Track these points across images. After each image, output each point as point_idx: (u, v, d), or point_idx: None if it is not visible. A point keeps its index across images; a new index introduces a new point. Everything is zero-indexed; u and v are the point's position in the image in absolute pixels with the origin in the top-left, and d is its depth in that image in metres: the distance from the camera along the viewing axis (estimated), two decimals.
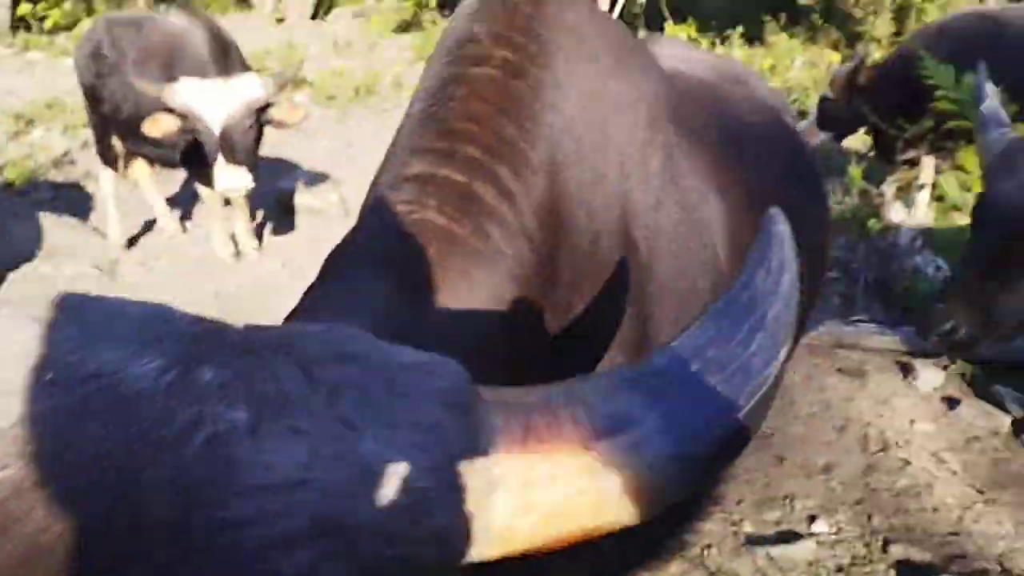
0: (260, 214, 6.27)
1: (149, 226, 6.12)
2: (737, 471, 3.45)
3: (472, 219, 1.20)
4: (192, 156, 4.85)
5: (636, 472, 0.79)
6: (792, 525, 3.21)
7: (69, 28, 13.93)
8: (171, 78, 4.62)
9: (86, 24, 12.00)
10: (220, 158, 4.56)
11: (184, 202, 6.45)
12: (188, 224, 6.25)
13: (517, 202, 1.24)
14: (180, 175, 6.16)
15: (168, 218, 6.03)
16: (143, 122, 4.53)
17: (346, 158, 7.47)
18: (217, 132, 4.51)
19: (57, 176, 7.15)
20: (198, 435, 0.69)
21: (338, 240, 1.31)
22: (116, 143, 5.52)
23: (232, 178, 4.62)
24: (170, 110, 4.49)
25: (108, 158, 5.64)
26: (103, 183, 5.85)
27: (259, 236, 6.02)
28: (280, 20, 14.18)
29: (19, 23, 13.96)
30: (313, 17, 14.65)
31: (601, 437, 0.80)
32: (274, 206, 6.39)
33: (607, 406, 0.82)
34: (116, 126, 5.33)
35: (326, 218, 6.23)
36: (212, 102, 4.50)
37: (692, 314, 1.44)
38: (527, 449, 0.79)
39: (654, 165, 1.51)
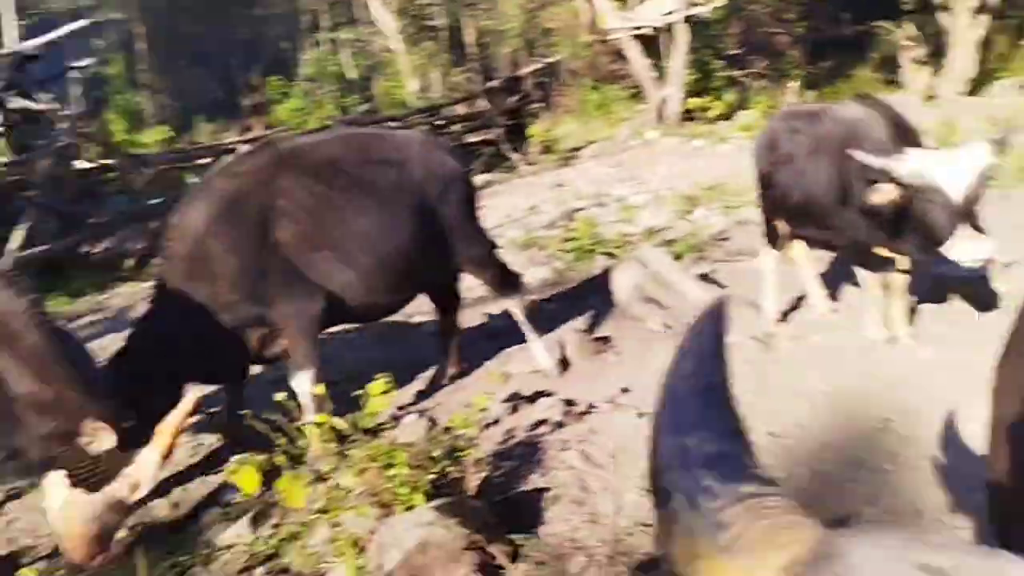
0: (915, 300, 5.71)
1: (801, 303, 6.10)
2: None
3: None
4: (896, 228, 4.73)
5: None
6: None
7: (727, 118, 16.64)
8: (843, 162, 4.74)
9: (741, 115, 16.06)
10: (959, 228, 4.41)
11: (837, 284, 6.26)
12: (840, 305, 6.06)
13: None
14: (831, 256, 6.28)
15: (821, 298, 6.03)
16: (867, 193, 4.58)
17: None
18: (957, 201, 4.39)
19: (715, 252, 7.68)
20: None
21: None
22: (780, 225, 5.73)
23: (972, 248, 4.42)
24: (894, 181, 4.48)
25: (771, 238, 5.85)
26: (763, 261, 5.99)
27: (914, 322, 5.55)
28: (930, 98, 14.10)
29: (687, 114, 17.34)
30: (970, 93, 14.48)
31: None
32: (930, 292, 5.79)
33: None
34: (783, 211, 5.56)
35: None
36: (949, 171, 4.44)
37: None
38: None
39: None
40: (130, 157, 13.97)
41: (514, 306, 5.38)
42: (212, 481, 4.57)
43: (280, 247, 4.49)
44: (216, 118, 32.69)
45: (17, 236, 10.40)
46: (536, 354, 5.36)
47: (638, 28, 19.07)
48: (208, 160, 13.50)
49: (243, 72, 36.27)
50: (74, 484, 3.74)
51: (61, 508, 3.78)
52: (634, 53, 19.52)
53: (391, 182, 4.76)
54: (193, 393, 4.03)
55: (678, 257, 7.21)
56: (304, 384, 4.58)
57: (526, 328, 5.37)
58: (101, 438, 3.67)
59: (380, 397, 3.65)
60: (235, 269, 4.45)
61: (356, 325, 7.05)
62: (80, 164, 13.25)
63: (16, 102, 13.47)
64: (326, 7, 36.05)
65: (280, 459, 3.46)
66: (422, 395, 5.40)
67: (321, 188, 4.61)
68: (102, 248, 12.40)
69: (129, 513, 3.99)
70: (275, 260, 4.49)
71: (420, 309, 6.88)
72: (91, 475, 3.75)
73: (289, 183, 4.58)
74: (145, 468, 3.83)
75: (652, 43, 19.70)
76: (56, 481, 3.77)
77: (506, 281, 5.37)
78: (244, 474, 3.26)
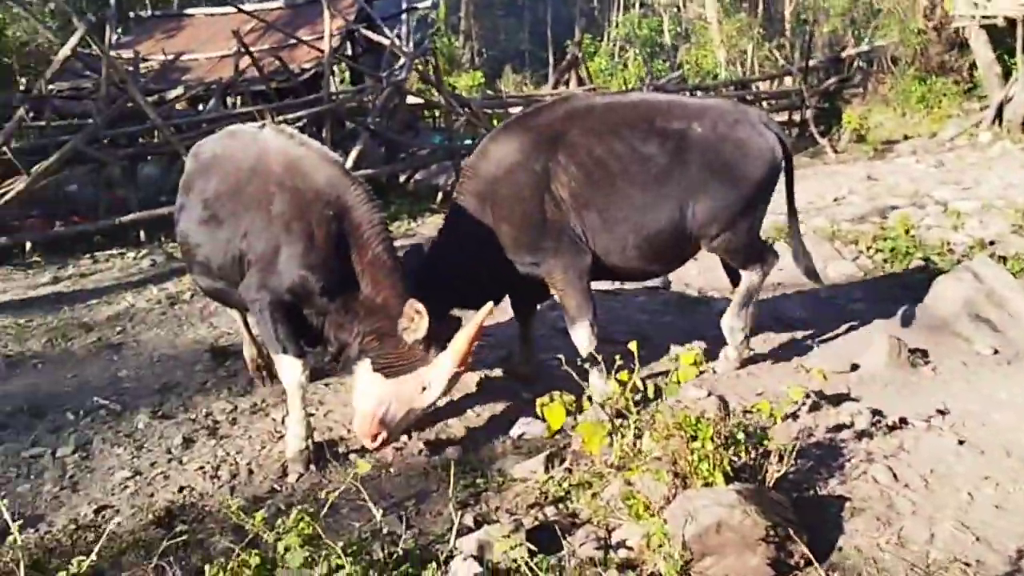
0: None
1: None
2: None
3: None
4: None
5: None
6: None
7: None
8: None
9: None
10: None
11: None
12: None
13: None
14: None
15: None
16: None
17: None
18: None
19: None
20: None
21: None
22: None
23: None
24: None
25: None
26: None
27: None
28: None
29: None
30: None
31: None
32: None
33: None
34: None
35: None
36: None
37: None
38: None
39: None
40: (454, 98, 14.90)
41: (748, 276, 5.01)
42: (500, 412, 4.80)
43: (558, 201, 4.62)
44: (522, 69, 34.07)
45: (350, 158, 11.48)
46: (727, 327, 5.09)
47: (990, 16, 17.12)
48: (519, 109, 14.06)
49: (553, 27, 37.43)
50: (375, 370, 4.15)
51: (359, 386, 4.22)
52: (979, 44, 17.63)
53: (669, 151, 4.65)
54: (488, 305, 4.22)
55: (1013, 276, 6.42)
56: (582, 336, 4.73)
57: (739, 297, 5.05)
58: (418, 323, 3.98)
59: (690, 368, 3.61)
60: (517, 215, 4.65)
61: (653, 292, 7.08)
62: (410, 99, 14.38)
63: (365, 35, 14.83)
64: None
65: (587, 404, 3.54)
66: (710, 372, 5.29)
67: (601, 149, 4.64)
68: (416, 179, 13.43)
69: (417, 412, 4.30)
70: (553, 212, 4.63)
71: (715, 285, 6.77)
72: (391, 365, 4.13)
73: (574, 140, 4.67)
74: (439, 371, 4.11)
75: (1002, 35, 17.66)
76: (363, 367, 4.20)
77: (752, 260, 4.98)
78: (553, 409, 3.37)
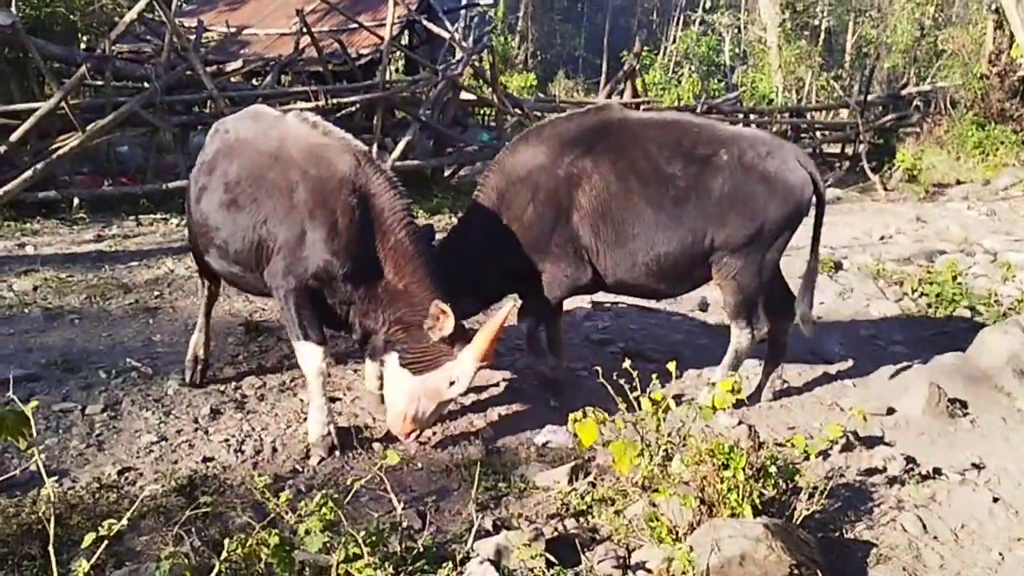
0: None
1: None
2: None
3: None
4: None
5: None
6: None
7: None
8: None
9: None
10: None
11: None
12: None
13: None
14: None
15: None
16: None
17: None
18: None
19: None
20: None
21: None
22: None
23: None
24: None
25: None
26: None
27: None
28: None
29: None
30: None
31: None
32: None
33: None
34: None
35: None
36: None
37: None
38: None
39: None
40: (507, 98, 14.88)
41: (736, 338, 4.94)
42: (526, 418, 4.77)
43: (575, 208, 4.65)
44: (575, 75, 34.03)
45: (398, 147, 11.50)
46: (715, 374, 4.98)
47: None
48: None
49: (609, 36, 37.35)
50: (403, 365, 4.16)
51: (390, 383, 4.24)
52: None
53: (692, 174, 4.60)
54: (511, 302, 4.22)
55: None
56: (523, 326, 4.92)
57: (728, 359, 4.98)
58: (443, 323, 3.98)
59: (726, 394, 3.55)
60: (530, 215, 4.68)
61: (689, 314, 7.00)
62: (463, 95, 14.37)
63: (427, 26, 14.86)
64: None
65: (619, 423, 3.49)
66: (741, 402, 5.20)
67: (626, 163, 4.63)
68: (461, 175, 13.44)
69: (444, 407, 4.32)
70: (566, 219, 4.66)
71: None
72: (419, 360, 4.14)
73: (602, 151, 4.68)
74: (463, 367, 4.11)
75: None
76: (391, 363, 4.21)
77: (744, 316, 4.89)
78: (586, 426, 3.32)
